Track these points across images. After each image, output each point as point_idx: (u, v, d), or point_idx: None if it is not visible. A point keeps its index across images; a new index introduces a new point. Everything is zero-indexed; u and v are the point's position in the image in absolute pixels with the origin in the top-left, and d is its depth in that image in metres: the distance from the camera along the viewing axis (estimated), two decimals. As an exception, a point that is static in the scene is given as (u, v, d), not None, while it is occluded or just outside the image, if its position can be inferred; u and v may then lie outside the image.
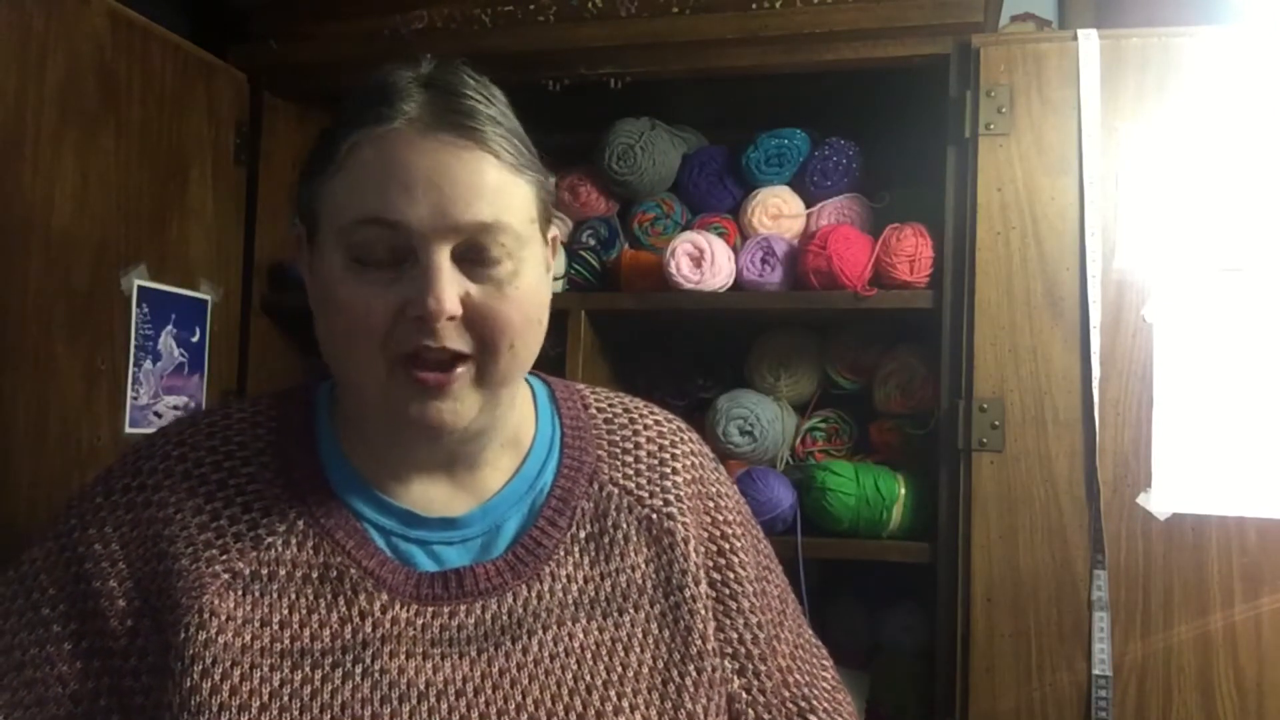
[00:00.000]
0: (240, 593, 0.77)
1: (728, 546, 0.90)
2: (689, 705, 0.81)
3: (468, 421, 0.77)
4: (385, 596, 0.78)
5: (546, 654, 0.80)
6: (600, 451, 0.89)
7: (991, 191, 1.46)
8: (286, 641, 0.76)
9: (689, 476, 0.91)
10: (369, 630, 0.77)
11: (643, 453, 0.90)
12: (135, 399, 1.51)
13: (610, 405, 0.94)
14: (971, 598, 1.42)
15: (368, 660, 0.76)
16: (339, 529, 0.80)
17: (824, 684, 0.94)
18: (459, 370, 0.75)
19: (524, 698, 0.78)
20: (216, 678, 0.74)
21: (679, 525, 0.87)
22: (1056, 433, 1.41)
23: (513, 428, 0.87)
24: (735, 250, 1.67)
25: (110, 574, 0.78)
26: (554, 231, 0.86)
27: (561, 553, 0.84)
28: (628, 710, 0.79)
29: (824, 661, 0.97)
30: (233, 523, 0.80)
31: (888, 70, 1.58)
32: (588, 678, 0.80)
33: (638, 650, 0.82)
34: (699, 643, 0.84)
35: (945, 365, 1.50)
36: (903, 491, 1.57)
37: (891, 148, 1.75)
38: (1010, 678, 1.40)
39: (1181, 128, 1.41)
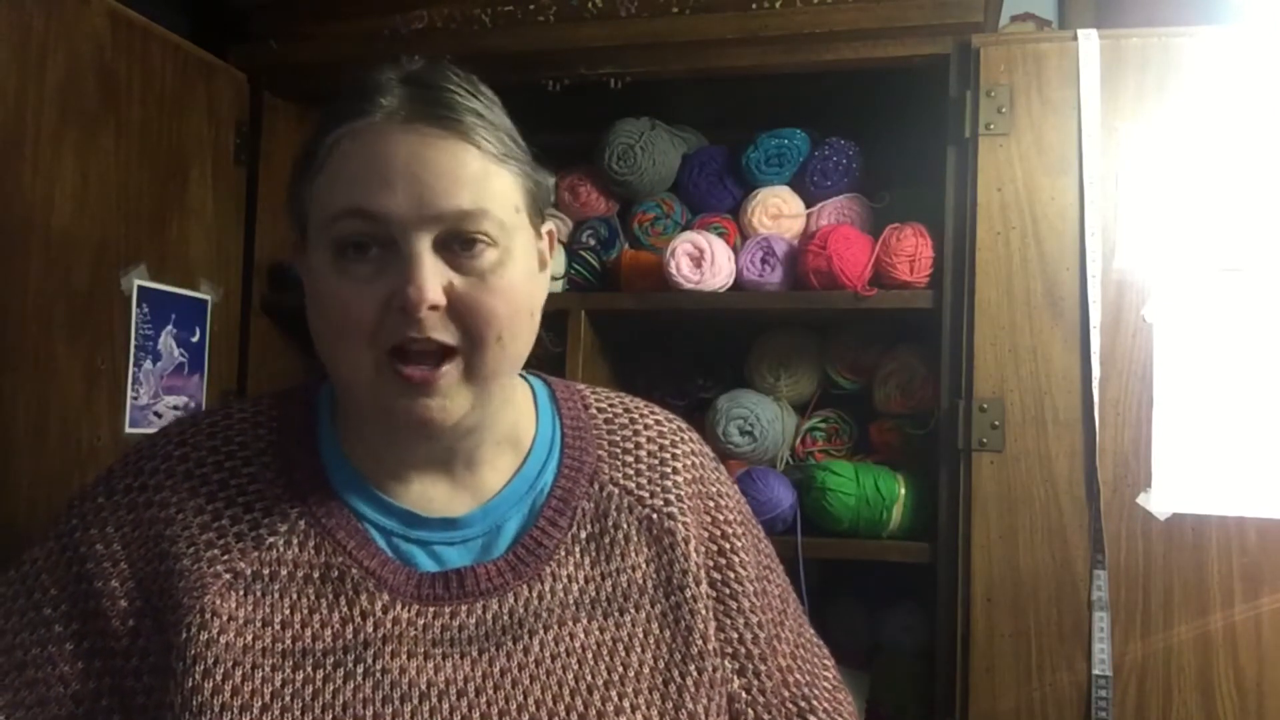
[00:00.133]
0: (242, 593, 0.77)
1: (728, 546, 0.90)
2: (689, 705, 0.81)
3: (458, 418, 0.77)
4: (386, 596, 0.78)
5: (547, 654, 0.80)
6: (601, 451, 0.89)
7: (991, 191, 1.46)
8: (288, 641, 0.76)
9: (689, 476, 0.91)
10: (370, 630, 0.77)
11: (643, 453, 0.90)
12: (135, 399, 1.51)
13: (610, 405, 0.94)
14: (971, 598, 1.42)
15: (369, 660, 0.76)
16: (340, 529, 0.80)
17: (824, 683, 0.94)
18: (446, 367, 0.75)
19: (525, 698, 0.78)
20: (218, 678, 0.74)
21: (679, 525, 0.87)
22: (1056, 433, 1.41)
23: (511, 426, 0.87)
24: (735, 250, 1.67)
25: (112, 574, 0.78)
26: (549, 225, 0.86)
27: (562, 553, 0.84)
28: (628, 710, 0.79)
29: (825, 661, 0.97)
30: (234, 523, 0.80)
31: (888, 70, 1.58)
32: (588, 678, 0.80)
33: (638, 650, 0.82)
34: (700, 642, 0.84)
35: (945, 365, 1.50)
36: (903, 491, 1.57)
37: (891, 148, 1.75)
38: (1010, 678, 1.40)
39: (1181, 128, 1.41)
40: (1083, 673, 1.38)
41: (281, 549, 0.79)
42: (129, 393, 1.50)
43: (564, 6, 1.63)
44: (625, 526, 0.86)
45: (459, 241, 0.75)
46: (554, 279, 1.74)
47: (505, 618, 0.80)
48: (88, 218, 1.42)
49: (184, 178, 1.62)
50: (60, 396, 1.38)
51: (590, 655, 0.81)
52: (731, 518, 0.92)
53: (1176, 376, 1.38)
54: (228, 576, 0.78)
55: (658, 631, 0.83)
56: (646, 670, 0.82)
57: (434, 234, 0.74)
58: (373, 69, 0.79)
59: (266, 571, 0.78)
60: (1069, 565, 1.39)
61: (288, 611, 0.77)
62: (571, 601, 0.82)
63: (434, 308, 0.73)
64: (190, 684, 0.74)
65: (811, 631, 0.98)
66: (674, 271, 1.64)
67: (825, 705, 0.92)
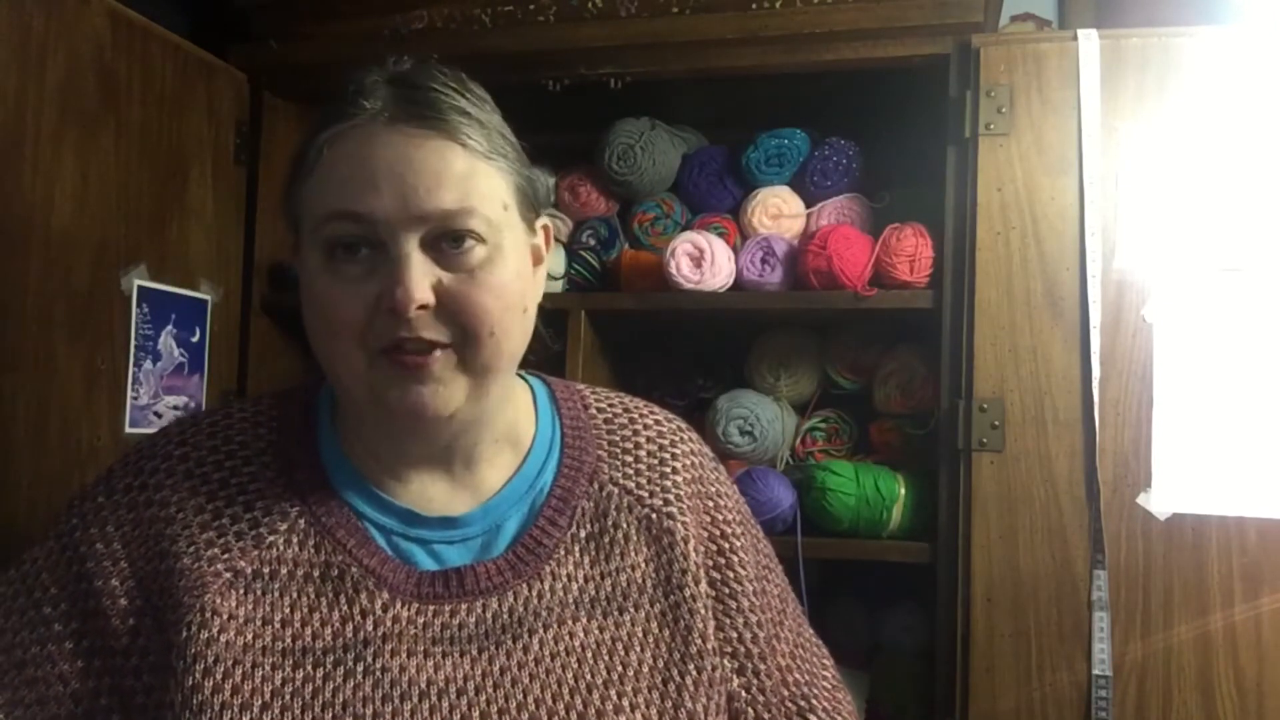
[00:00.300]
0: (242, 591, 0.77)
1: (727, 546, 0.90)
2: (689, 704, 0.81)
3: (453, 407, 0.77)
4: (386, 595, 0.79)
5: (547, 653, 0.80)
6: (600, 451, 0.89)
7: (991, 191, 1.46)
8: (288, 640, 0.77)
9: (689, 476, 0.91)
10: (370, 629, 0.77)
11: (643, 452, 0.90)
12: (135, 399, 1.51)
13: (610, 405, 0.94)
14: (971, 598, 1.42)
15: (369, 659, 0.76)
16: (340, 528, 0.81)
17: (824, 683, 0.94)
18: (438, 352, 0.75)
19: (525, 696, 0.78)
20: (218, 676, 0.74)
21: (679, 525, 0.87)
22: (1056, 433, 1.41)
23: (510, 425, 0.87)
24: (735, 250, 1.67)
25: (112, 573, 0.78)
26: (544, 220, 0.86)
27: (562, 552, 0.84)
28: (628, 709, 0.79)
29: (824, 661, 0.97)
30: (234, 522, 0.80)
31: (888, 70, 1.58)
32: (588, 676, 0.80)
33: (638, 649, 0.82)
34: (699, 642, 0.84)
35: (945, 365, 1.50)
36: (903, 491, 1.57)
37: (891, 148, 1.75)
38: (1010, 678, 1.40)
39: (1181, 128, 1.41)
40: (1083, 673, 1.38)
41: (281, 548, 0.79)
42: (129, 393, 1.50)
43: (564, 6, 1.63)
44: (625, 526, 0.86)
45: (447, 240, 0.75)
46: (554, 279, 1.74)
47: (505, 616, 0.80)
48: (88, 218, 1.42)
49: (184, 178, 1.62)
50: (60, 396, 1.38)
51: (590, 654, 0.81)
52: (731, 517, 0.92)
53: (1176, 376, 1.38)
54: (228, 575, 0.78)
55: (657, 631, 0.83)
56: (646, 669, 0.82)
57: (421, 233, 0.74)
58: (360, 69, 0.79)
59: (266, 570, 0.78)
60: (1069, 565, 1.39)
61: (288, 610, 0.77)
62: (571, 600, 0.82)
63: (423, 307, 0.74)
64: (190, 683, 0.74)
65: (811, 631, 0.98)
66: (674, 271, 1.64)
67: (824, 704, 0.92)
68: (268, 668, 0.75)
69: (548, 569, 0.83)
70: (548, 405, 0.91)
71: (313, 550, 0.80)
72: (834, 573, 1.78)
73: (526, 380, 0.92)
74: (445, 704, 0.76)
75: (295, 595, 0.78)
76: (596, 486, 0.87)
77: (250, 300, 1.78)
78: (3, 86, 1.28)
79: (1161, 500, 1.37)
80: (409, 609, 0.79)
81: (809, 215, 1.72)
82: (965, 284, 1.47)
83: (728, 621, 0.87)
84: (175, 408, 1.58)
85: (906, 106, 1.66)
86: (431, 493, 0.84)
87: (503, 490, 0.85)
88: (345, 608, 0.78)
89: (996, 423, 1.43)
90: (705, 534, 0.89)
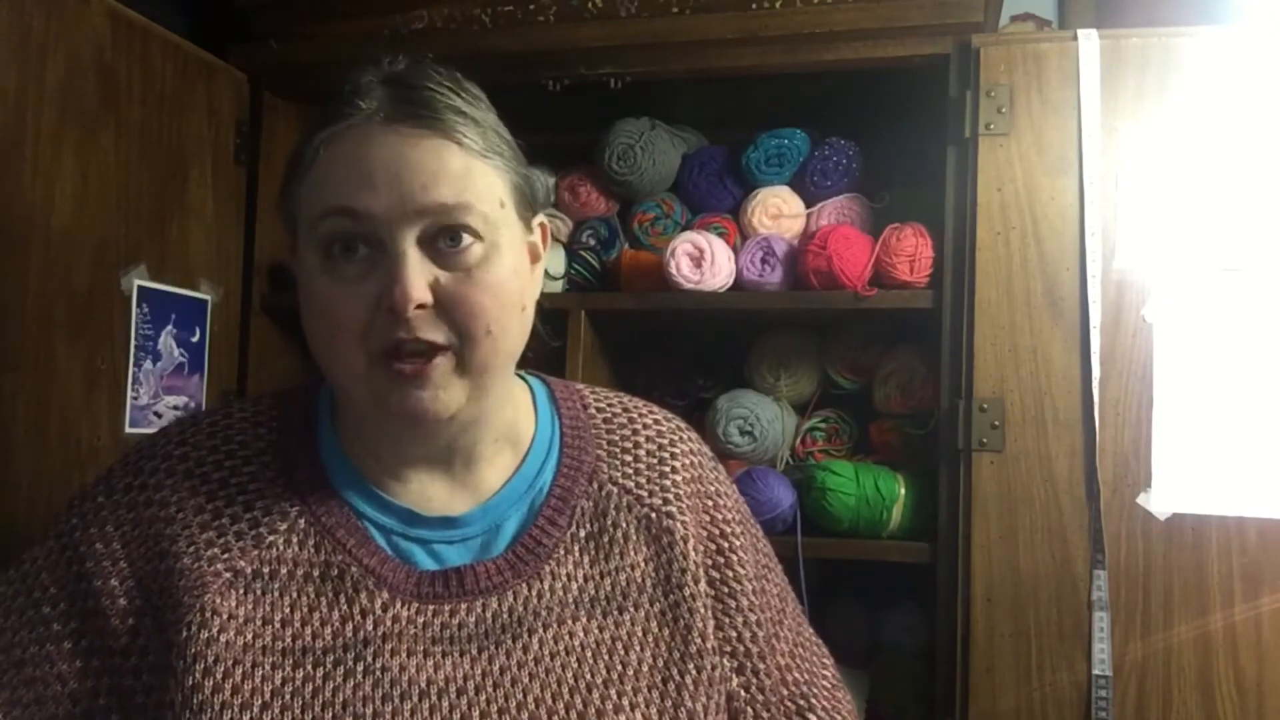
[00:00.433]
0: (242, 591, 0.77)
1: (726, 545, 0.90)
2: (689, 703, 0.81)
3: (453, 410, 0.77)
4: (386, 595, 0.79)
5: (547, 652, 0.80)
6: (600, 451, 0.89)
7: (991, 191, 1.46)
8: (288, 639, 0.77)
9: (688, 475, 0.91)
10: (370, 628, 0.77)
11: (642, 452, 0.90)
12: (135, 399, 1.51)
13: (609, 405, 0.94)
14: (971, 598, 1.42)
15: (369, 658, 0.76)
16: (340, 527, 0.81)
17: (823, 682, 0.94)
18: (437, 359, 0.75)
19: (524, 696, 0.78)
20: (218, 676, 0.74)
21: (678, 524, 0.87)
22: (1056, 433, 1.41)
23: (510, 425, 0.87)
24: (735, 250, 1.67)
25: (111, 573, 0.78)
26: (541, 218, 0.86)
27: (561, 552, 0.84)
28: (628, 708, 0.79)
29: (824, 660, 0.97)
30: (234, 521, 0.80)
31: (888, 70, 1.58)
32: (588, 676, 0.80)
33: (637, 649, 0.82)
34: (698, 641, 0.84)
35: (945, 365, 1.50)
36: (903, 491, 1.57)
37: (891, 148, 1.75)
38: (1010, 678, 1.40)
39: (1181, 128, 1.41)
40: (1083, 673, 1.38)
41: (281, 547, 0.79)
42: (129, 393, 1.50)
43: (564, 6, 1.63)
44: (624, 525, 0.86)
45: (444, 237, 0.75)
46: (554, 279, 1.74)
47: (505, 616, 0.80)
48: (88, 218, 1.42)
49: (184, 178, 1.62)
50: (60, 396, 1.38)
51: (589, 654, 0.81)
52: (730, 517, 0.92)
53: (1176, 376, 1.38)
54: (228, 575, 0.78)
55: (657, 630, 0.83)
56: (645, 668, 0.82)
57: (418, 230, 0.74)
58: (355, 70, 0.79)
59: (266, 570, 0.78)
60: (1069, 565, 1.39)
61: (288, 609, 0.77)
62: (571, 600, 0.82)
63: (421, 306, 0.74)
64: (190, 682, 0.74)
65: (810, 630, 0.98)
66: (674, 271, 1.64)
67: (823, 704, 0.92)
68: (268, 667, 0.75)
69: (547, 569, 0.83)
70: (547, 405, 0.91)
71: (313, 550, 0.80)
72: (834, 573, 1.78)
73: (526, 380, 0.92)
74: (445, 703, 0.76)
75: (295, 595, 0.78)
76: (596, 486, 0.87)
77: (250, 300, 1.78)
78: (3, 86, 1.28)
79: (1161, 500, 1.37)
80: (409, 609, 0.79)
81: (809, 215, 1.72)
82: (965, 284, 1.47)
83: (727, 621, 0.87)
84: (175, 408, 1.58)
85: (906, 106, 1.66)
86: (431, 492, 0.84)
87: (502, 490, 0.85)
88: (345, 607, 0.78)
89: (996, 423, 1.43)
90: (704, 533, 0.89)
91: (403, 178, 0.74)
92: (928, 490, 1.56)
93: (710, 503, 0.91)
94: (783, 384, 1.75)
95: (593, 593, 0.83)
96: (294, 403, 0.88)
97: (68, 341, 1.39)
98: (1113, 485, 1.38)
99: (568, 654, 0.80)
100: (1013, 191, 1.45)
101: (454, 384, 0.76)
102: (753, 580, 0.90)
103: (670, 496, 0.88)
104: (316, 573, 0.79)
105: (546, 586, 0.82)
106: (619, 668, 0.81)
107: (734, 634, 0.87)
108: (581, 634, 0.81)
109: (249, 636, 0.76)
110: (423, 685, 0.76)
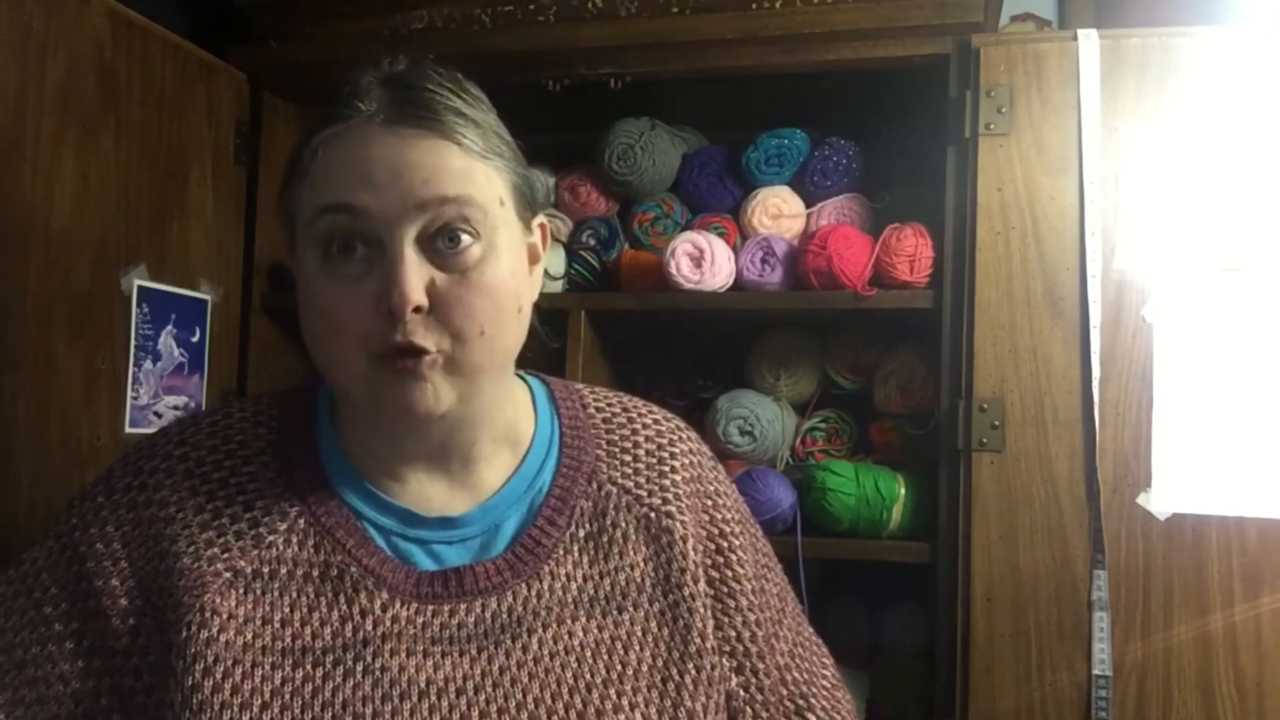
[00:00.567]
0: (242, 591, 0.77)
1: (726, 545, 0.90)
2: (688, 703, 0.81)
3: (445, 407, 0.77)
4: (385, 595, 0.79)
5: (546, 652, 0.80)
6: (599, 451, 0.89)
7: (991, 191, 1.46)
8: (288, 639, 0.77)
9: (687, 475, 0.91)
10: (370, 628, 0.77)
11: (641, 451, 0.90)
12: (135, 399, 1.51)
13: (609, 404, 0.94)
14: (971, 598, 1.42)
15: (368, 658, 0.76)
16: (339, 527, 0.81)
17: (823, 682, 0.94)
18: (428, 357, 0.75)
19: (524, 696, 0.78)
20: (218, 676, 0.74)
21: (677, 524, 0.87)
22: (1056, 433, 1.41)
23: (509, 425, 0.87)
24: (735, 250, 1.67)
25: (112, 573, 0.78)
26: (541, 219, 0.86)
27: (561, 552, 0.84)
28: (627, 708, 0.79)
29: (823, 660, 0.97)
30: (234, 521, 0.80)
31: (888, 70, 1.58)
32: (587, 676, 0.80)
33: (637, 648, 0.82)
34: (698, 641, 0.84)
35: (945, 365, 1.50)
36: (903, 491, 1.57)
37: (891, 148, 1.75)
38: (1010, 678, 1.40)
39: (1181, 128, 1.41)
40: (1083, 673, 1.38)
41: (281, 547, 0.79)
42: (129, 393, 1.50)
43: (564, 6, 1.63)
44: (623, 525, 0.86)
45: (443, 237, 0.75)
46: (554, 279, 1.74)
47: (504, 616, 0.80)
48: (88, 218, 1.42)
49: (184, 178, 1.62)
50: (60, 396, 1.38)
51: (589, 654, 0.81)
52: (729, 516, 0.92)
53: (1176, 376, 1.38)
54: (227, 575, 0.78)
55: (656, 630, 0.83)
56: (645, 668, 0.82)
57: (416, 228, 0.74)
58: (355, 70, 0.79)
59: (266, 570, 0.78)
60: (1069, 565, 1.39)
61: (287, 609, 0.78)
62: (570, 600, 0.82)
63: (418, 310, 0.73)
64: (190, 682, 0.74)
65: (810, 630, 0.98)
66: (674, 271, 1.64)
67: (823, 703, 0.92)
68: (267, 667, 0.75)
69: (546, 569, 0.83)
70: (546, 405, 0.91)
71: (312, 550, 0.80)
72: (834, 573, 1.78)
73: (525, 380, 0.92)
74: (445, 704, 0.76)
75: (295, 595, 0.78)
76: (595, 486, 0.87)
77: (250, 300, 1.78)
78: (3, 86, 1.28)
79: (1161, 500, 1.37)
80: (408, 609, 0.79)
81: (809, 215, 1.72)
82: (965, 284, 1.47)
83: (726, 620, 0.87)
84: (175, 408, 1.58)
85: (906, 106, 1.66)
86: (430, 493, 0.84)
87: (501, 490, 0.85)
88: (345, 608, 0.78)
89: (996, 423, 1.43)
90: (704, 533, 0.89)
91: (403, 175, 0.74)
92: (928, 490, 1.56)
93: (710, 502, 0.91)
94: (783, 384, 1.75)
95: (592, 593, 0.83)
96: (294, 403, 0.88)
97: (68, 341, 1.39)
98: (1113, 485, 1.38)
99: (567, 654, 0.80)
100: (1013, 191, 1.45)
101: (445, 382, 0.76)
102: (752, 580, 0.90)
103: (670, 496, 0.88)
104: (316, 573, 0.79)
105: (546, 586, 0.82)
106: (618, 667, 0.81)
107: (733, 634, 0.87)
108: (581, 634, 0.81)
109: (249, 636, 0.76)
110: (422, 685, 0.76)
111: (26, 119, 1.32)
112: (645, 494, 0.88)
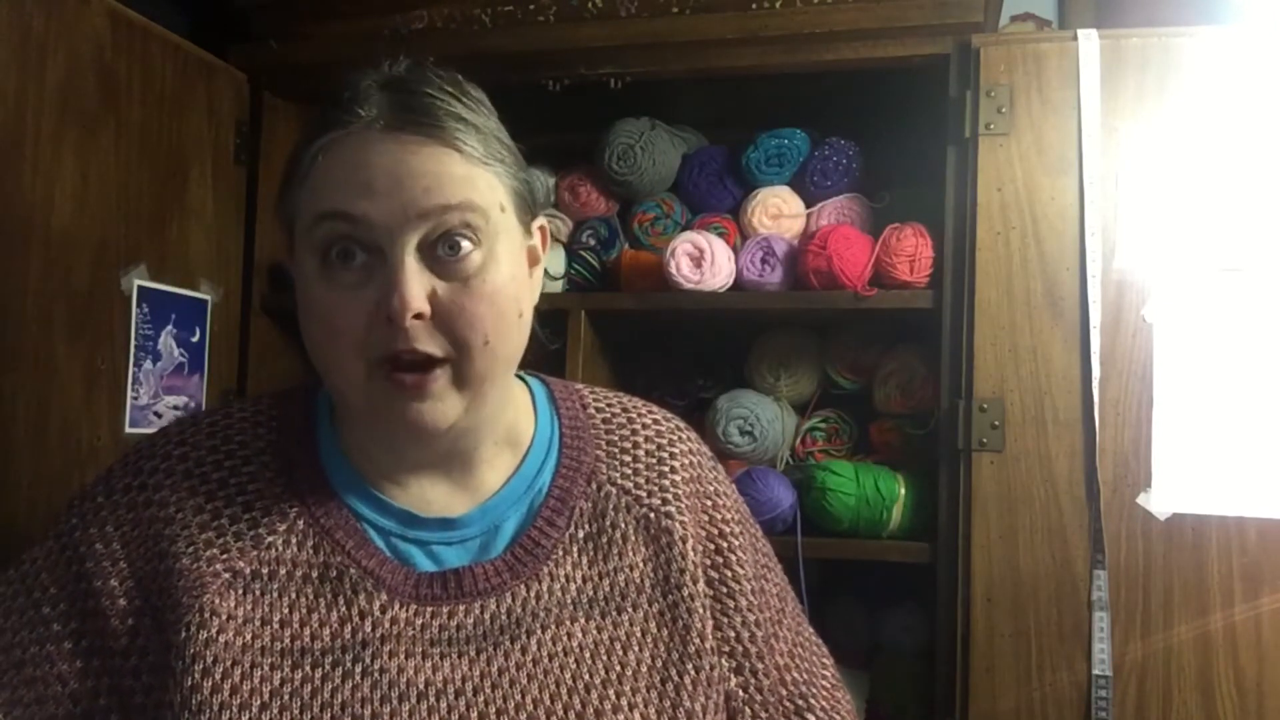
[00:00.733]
0: (241, 592, 0.77)
1: (725, 545, 0.90)
2: (688, 703, 0.81)
3: (451, 421, 0.77)
4: (385, 596, 0.79)
5: (546, 653, 0.80)
6: (599, 451, 0.89)
7: (991, 191, 1.46)
8: (287, 640, 0.76)
9: (687, 475, 0.91)
10: (369, 630, 0.77)
11: (641, 452, 0.90)
12: (135, 399, 1.51)
13: (609, 405, 0.94)
14: (971, 598, 1.42)
15: (368, 660, 0.76)
16: (338, 529, 0.81)
17: (822, 682, 0.94)
18: (436, 372, 0.75)
19: (523, 697, 0.78)
20: (217, 677, 0.74)
21: (677, 524, 0.87)
22: (1056, 433, 1.41)
23: (508, 427, 0.87)
24: (735, 250, 1.67)
25: (111, 573, 0.78)
26: (541, 221, 0.86)
27: (560, 552, 0.84)
28: (627, 709, 0.79)
29: (823, 660, 0.97)
30: (233, 522, 0.80)
31: (888, 70, 1.58)
32: (587, 676, 0.80)
33: (636, 649, 0.82)
34: (697, 641, 0.84)
35: (945, 365, 1.50)
36: (903, 491, 1.57)
37: (891, 148, 1.75)
38: (1010, 678, 1.40)
39: (1181, 128, 1.41)
40: (1083, 673, 1.38)
41: (280, 548, 0.79)
42: (129, 393, 1.50)
43: (564, 6, 1.63)
44: (623, 526, 0.86)
45: (444, 244, 0.74)
46: (554, 279, 1.74)
47: (503, 617, 0.80)
48: (88, 218, 1.42)
49: (184, 178, 1.62)
50: (60, 396, 1.38)
51: (588, 654, 0.81)
52: (729, 516, 0.92)
53: (1176, 376, 1.38)
54: (227, 575, 0.78)
55: (655, 630, 0.83)
56: (644, 669, 0.82)
57: (418, 236, 0.74)
58: (355, 73, 0.78)
59: (265, 571, 0.78)
60: (1069, 565, 1.39)
61: (287, 610, 0.77)
62: (569, 601, 0.82)
63: (419, 316, 0.73)
64: (189, 683, 0.74)
65: (810, 630, 0.98)
66: (674, 271, 1.64)
67: (823, 703, 0.92)
68: (266, 668, 0.75)
69: (546, 569, 0.83)
70: (546, 405, 0.91)
71: (311, 551, 0.79)
72: (834, 573, 1.78)
73: (525, 381, 0.92)
74: (444, 705, 0.76)
75: (294, 596, 0.78)
76: (595, 486, 0.87)
77: (250, 300, 1.78)
78: (3, 86, 1.28)
79: (1161, 500, 1.37)
80: (407, 610, 0.78)
81: (809, 215, 1.72)
82: (965, 284, 1.47)
83: (726, 621, 0.87)
84: (175, 408, 1.58)
85: (906, 106, 1.66)
86: (430, 494, 0.84)
87: (501, 491, 0.85)
88: (344, 609, 0.78)
89: (996, 423, 1.43)
90: (703, 533, 0.89)
91: (404, 184, 0.73)
92: (928, 490, 1.56)
93: (709, 503, 0.91)
94: (783, 384, 1.75)
95: (591, 593, 0.83)
96: (294, 403, 0.88)
97: (68, 341, 1.39)
98: (1113, 485, 1.38)
99: (566, 655, 0.80)
100: (1013, 191, 1.45)
101: (452, 396, 0.76)
102: (752, 580, 0.90)
103: (669, 496, 0.88)
104: (315, 574, 0.79)
105: (545, 587, 0.82)
106: (618, 668, 0.81)
107: (732, 634, 0.87)
108: (580, 635, 0.81)
109: (248, 637, 0.76)
110: (421, 687, 0.76)
111: (26, 119, 1.32)
112: (645, 494, 0.88)
